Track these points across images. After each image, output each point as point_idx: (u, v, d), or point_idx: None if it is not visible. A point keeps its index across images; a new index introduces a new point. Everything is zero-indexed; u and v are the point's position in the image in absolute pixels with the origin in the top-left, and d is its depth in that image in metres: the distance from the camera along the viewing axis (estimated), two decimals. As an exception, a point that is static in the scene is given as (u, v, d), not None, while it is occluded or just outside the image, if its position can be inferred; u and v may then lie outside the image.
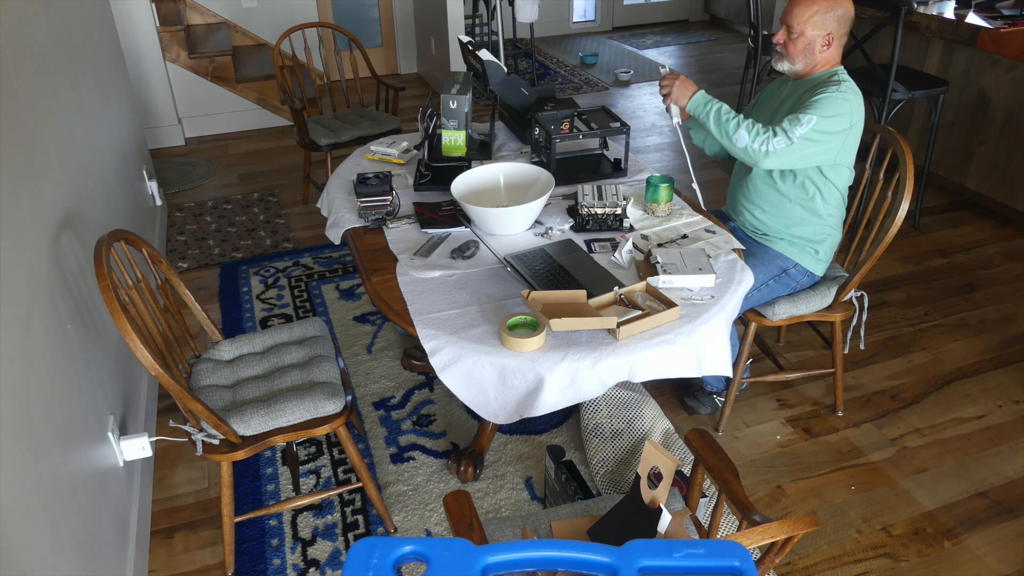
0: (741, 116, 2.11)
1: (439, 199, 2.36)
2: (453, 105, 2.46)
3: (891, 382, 2.70)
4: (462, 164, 2.43)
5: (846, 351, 2.70)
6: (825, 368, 2.56)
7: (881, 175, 2.26)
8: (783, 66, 2.19)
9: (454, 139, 2.51)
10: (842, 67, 2.16)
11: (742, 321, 2.32)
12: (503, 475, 2.32)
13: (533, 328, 1.76)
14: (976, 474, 2.33)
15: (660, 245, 2.08)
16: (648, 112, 5.29)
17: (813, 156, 2.08)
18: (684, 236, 2.14)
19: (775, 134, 2.03)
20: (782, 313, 2.25)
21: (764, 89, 2.43)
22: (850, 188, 2.43)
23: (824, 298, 2.29)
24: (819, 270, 2.31)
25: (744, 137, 2.05)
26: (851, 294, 2.33)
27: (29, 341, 1.55)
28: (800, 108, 2.07)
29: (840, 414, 2.56)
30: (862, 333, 2.51)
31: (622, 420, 2.33)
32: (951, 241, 3.60)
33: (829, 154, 2.09)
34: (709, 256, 1.99)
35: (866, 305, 2.41)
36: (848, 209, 2.37)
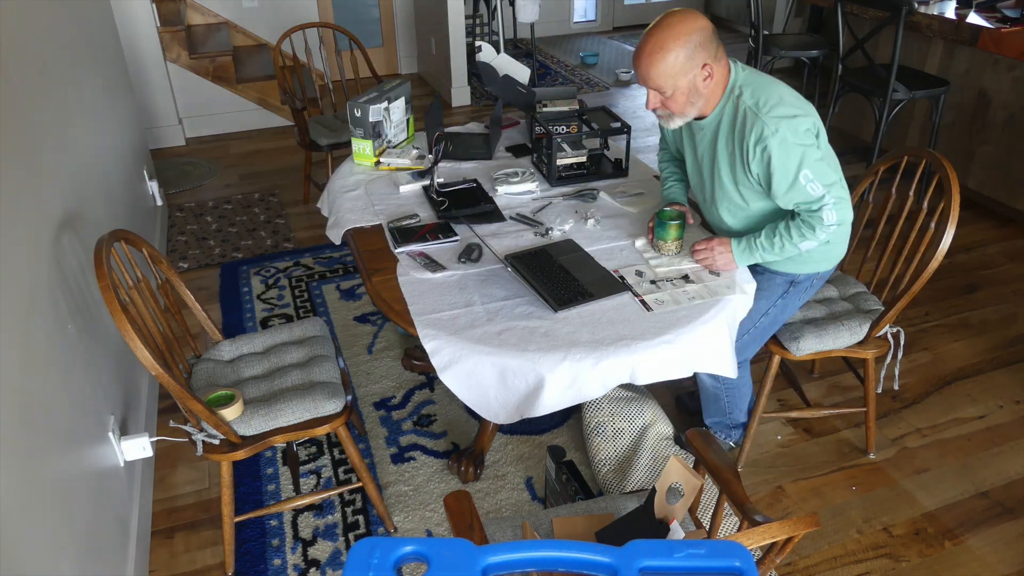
0: (781, 228, 1.88)
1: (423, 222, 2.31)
2: (358, 114, 2.46)
3: (891, 382, 2.70)
4: (471, 186, 2.38)
5: (879, 390, 2.62)
6: (855, 407, 2.40)
7: (925, 204, 2.12)
8: (675, 123, 1.91)
9: (362, 148, 2.51)
10: (735, 76, 1.86)
11: (765, 351, 2.17)
12: (504, 475, 2.32)
13: (229, 400, 1.86)
14: (977, 474, 2.33)
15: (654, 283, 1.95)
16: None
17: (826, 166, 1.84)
18: (685, 276, 1.98)
19: (820, 211, 1.81)
20: (807, 348, 2.09)
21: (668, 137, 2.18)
22: (890, 216, 2.26)
23: (855, 333, 2.12)
24: (833, 263, 2.07)
25: (809, 242, 1.85)
26: (885, 329, 2.16)
27: (29, 341, 1.55)
28: (773, 173, 1.81)
29: (872, 456, 2.39)
30: (896, 372, 2.34)
31: (624, 419, 2.33)
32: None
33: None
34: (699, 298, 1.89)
35: (902, 342, 2.27)
36: (887, 239, 2.19)
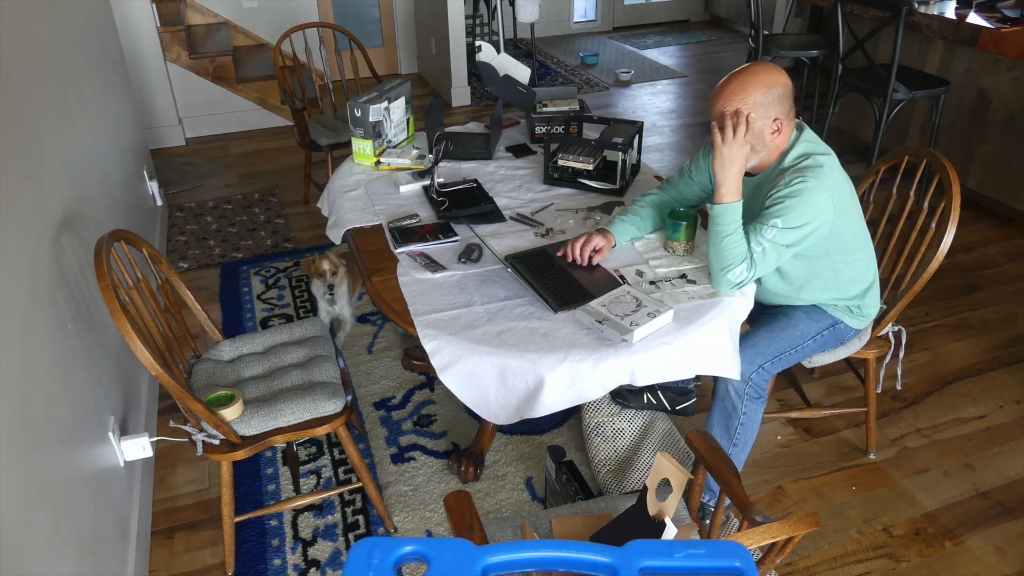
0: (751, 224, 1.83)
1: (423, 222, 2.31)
2: (358, 114, 2.46)
3: (892, 382, 2.70)
4: (471, 186, 2.38)
5: (879, 390, 2.61)
6: (855, 407, 2.40)
7: (925, 204, 2.12)
8: None
9: (362, 148, 2.52)
10: (800, 141, 1.87)
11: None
12: (504, 475, 2.32)
13: (229, 400, 1.86)
14: (977, 474, 2.33)
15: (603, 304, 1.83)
16: (649, 112, 5.29)
17: (786, 256, 1.86)
18: (684, 276, 1.96)
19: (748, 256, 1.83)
20: (818, 361, 2.12)
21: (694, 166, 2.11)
22: (890, 216, 2.24)
23: (861, 337, 2.13)
24: (865, 323, 2.09)
25: (742, 272, 1.83)
26: (887, 329, 2.17)
27: (29, 341, 1.55)
28: (761, 214, 1.83)
29: (872, 456, 2.39)
30: (899, 372, 2.33)
31: (624, 419, 2.33)
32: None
33: (808, 245, 1.86)
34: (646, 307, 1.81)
35: (904, 341, 2.28)
36: (888, 238, 2.20)
